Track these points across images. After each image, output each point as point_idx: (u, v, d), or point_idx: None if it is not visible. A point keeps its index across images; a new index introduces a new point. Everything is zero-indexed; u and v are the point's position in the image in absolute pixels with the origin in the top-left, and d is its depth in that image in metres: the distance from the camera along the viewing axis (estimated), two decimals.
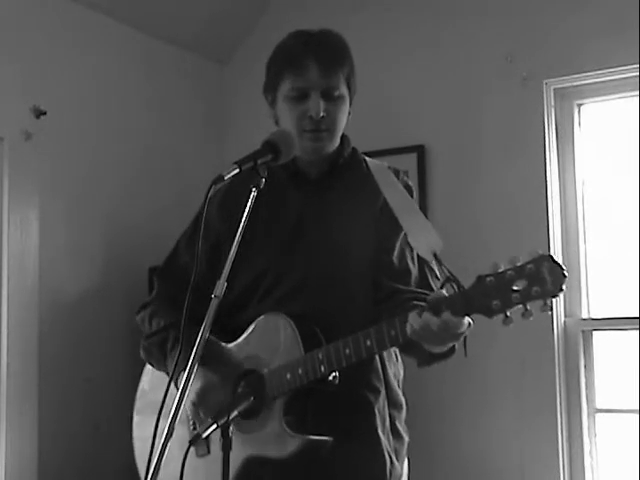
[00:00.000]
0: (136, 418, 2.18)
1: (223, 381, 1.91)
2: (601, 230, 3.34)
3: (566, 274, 1.50)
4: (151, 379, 2.15)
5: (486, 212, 3.42)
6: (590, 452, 3.23)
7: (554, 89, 3.35)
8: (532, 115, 3.33)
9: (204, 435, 1.53)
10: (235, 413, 1.61)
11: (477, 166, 3.46)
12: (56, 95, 3.25)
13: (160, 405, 1.52)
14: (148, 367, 2.17)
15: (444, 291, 1.66)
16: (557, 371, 3.23)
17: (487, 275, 1.56)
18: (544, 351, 3.23)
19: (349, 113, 2.01)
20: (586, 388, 3.25)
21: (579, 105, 3.39)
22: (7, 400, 3.01)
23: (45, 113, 3.15)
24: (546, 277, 1.50)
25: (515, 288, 1.52)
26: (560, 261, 1.50)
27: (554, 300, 1.51)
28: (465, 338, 1.71)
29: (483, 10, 3.47)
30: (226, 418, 1.56)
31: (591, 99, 3.37)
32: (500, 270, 1.54)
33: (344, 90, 1.94)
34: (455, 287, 1.64)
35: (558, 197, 3.34)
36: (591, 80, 3.29)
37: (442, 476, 3.36)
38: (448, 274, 1.67)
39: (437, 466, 3.35)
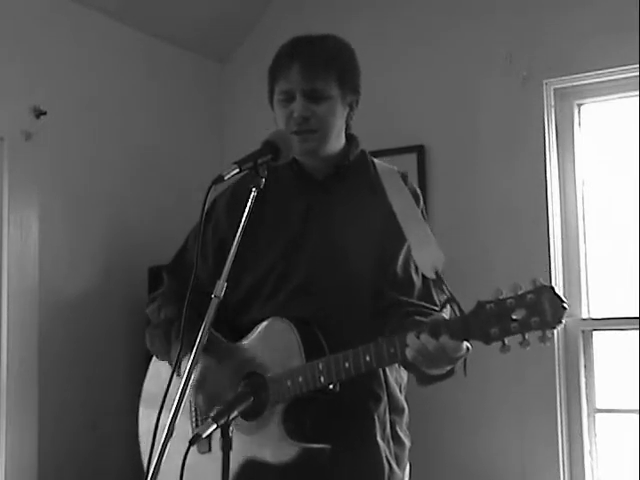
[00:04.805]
0: (141, 410, 2.17)
1: (223, 368, 1.92)
2: (601, 230, 3.34)
3: (566, 307, 1.50)
4: (157, 370, 2.16)
5: (486, 212, 3.42)
6: (590, 452, 3.23)
7: (554, 89, 3.35)
8: (532, 115, 3.33)
9: (204, 435, 1.53)
10: (235, 413, 1.61)
11: (477, 166, 3.46)
12: (56, 95, 3.25)
13: (162, 400, 1.53)
14: (154, 359, 2.17)
15: (444, 314, 1.67)
16: (557, 371, 3.23)
17: (487, 302, 1.56)
18: (544, 351, 3.23)
19: (350, 117, 2.01)
20: (586, 388, 3.25)
21: (579, 105, 3.38)
22: (7, 400, 3.01)
23: (45, 113, 3.15)
24: (546, 308, 1.49)
25: (514, 317, 1.52)
26: (561, 293, 1.50)
27: (554, 332, 1.51)
28: (465, 360, 1.72)
29: (483, 10, 3.47)
30: (226, 418, 1.56)
31: (591, 99, 3.37)
32: (501, 297, 1.54)
33: (334, 92, 1.93)
34: (456, 309, 1.64)
35: (558, 197, 3.33)
36: (591, 80, 3.29)
37: (443, 476, 3.35)
38: (449, 295, 1.67)
39: (437, 466, 3.35)
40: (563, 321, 1.49)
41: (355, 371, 1.75)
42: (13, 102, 3.10)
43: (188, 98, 3.91)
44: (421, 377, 1.86)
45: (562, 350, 3.26)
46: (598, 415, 3.25)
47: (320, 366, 1.79)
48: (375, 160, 2.07)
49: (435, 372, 1.74)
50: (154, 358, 2.16)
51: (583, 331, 3.28)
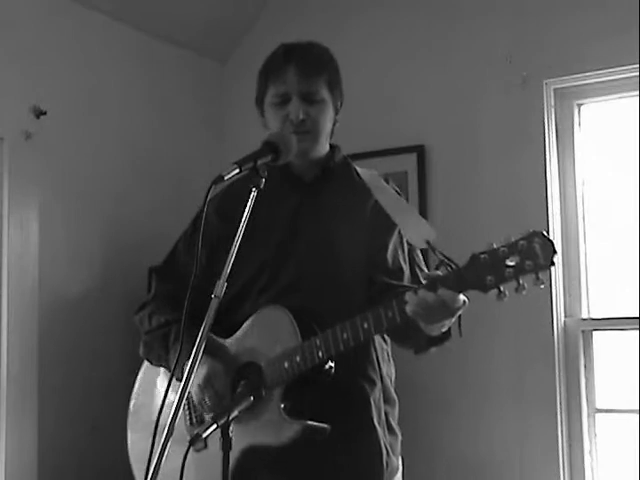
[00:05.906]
0: (130, 419, 2.18)
1: (226, 369, 1.93)
2: (601, 230, 3.34)
3: (556, 249, 1.57)
4: (143, 381, 2.17)
5: (486, 212, 3.41)
6: (590, 452, 3.23)
7: (554, 89, 3.35)
8: (532, 115, 3.33)
9: (204, 435, 1.53)
10: (235, 413, 1.61)
11: (477, 166, 3.46)
12: (56, 95, 3.25)
13: (161, 404, 1.53)
14: (143, 369, 2.18)
15: (439, 272, 1.69)
16: (557, 371, 3.23)
17: (481, 253, 1.61)
18: (544, 351, 3.23)
19: (336, 121, 2.07)
20: (586, 388, 3.25)
21: (579, 105, 3.38)
22: (7, 400, 3.01)
23: (45, 113, 3.14)
24: (538, 252, 1.56)
25: (508, 263, 1.58)
26: (554, 241, 1.58)
27: (547, 274, 1.57)
28: (460, 318, 1.74)
29: (483, 10, 3.47)
30: (226, 418, 1.56)
31: (591, 99, 3.37)
32: (494, 247, 1.60)
33: (325, 95, 2.01)
34: (450, 267, 1.68)
35: (558, 197, 3.33)
36: (591, 80, 3.29)
37: (442, 475, 3.36)
38: (442, 257, 1.71)
39: (437, 465, 3.35)
40: (555, 261, 1.56)
41: (354, 340, 1.78)
42: (13, 102, 3.10)
43: (188, 98, 3.90)
44: (418, 343, 1.89)
45: (562, 350, 3.26)
46: (598, 415, 3.25)
47: (317, 341, 1.82)
48: (356, 167, 2.14)
49: (434, 332, 1.76)
50: (140, 373, 2.17)
51: (583, 331, 3.27)
